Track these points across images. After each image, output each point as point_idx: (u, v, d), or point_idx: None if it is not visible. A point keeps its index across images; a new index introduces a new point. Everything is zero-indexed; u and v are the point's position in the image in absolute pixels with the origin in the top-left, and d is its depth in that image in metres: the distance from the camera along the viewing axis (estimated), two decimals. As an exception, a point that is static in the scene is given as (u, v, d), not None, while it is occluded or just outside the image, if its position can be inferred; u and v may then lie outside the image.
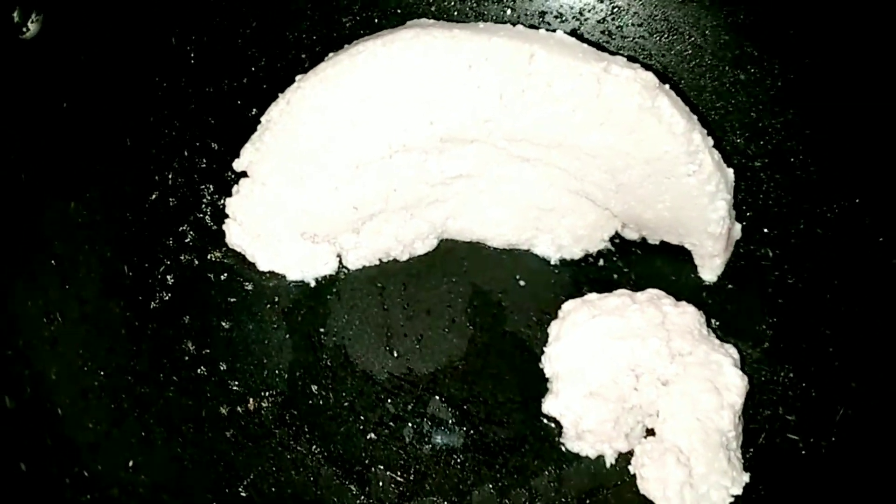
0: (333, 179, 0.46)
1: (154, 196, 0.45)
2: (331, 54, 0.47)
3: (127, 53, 0.43)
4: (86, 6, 0.40)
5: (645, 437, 0.42)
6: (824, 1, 0.46)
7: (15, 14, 0.36)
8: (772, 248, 0.47)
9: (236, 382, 0.43)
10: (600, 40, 0.53)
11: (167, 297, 0.43)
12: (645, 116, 0.43)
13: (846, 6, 0.45)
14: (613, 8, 0.52)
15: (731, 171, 0.46)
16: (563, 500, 0.41)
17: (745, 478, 0.39)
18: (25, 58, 0.37)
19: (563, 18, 0.53)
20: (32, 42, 0.37)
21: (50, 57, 0.38)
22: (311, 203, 0.46)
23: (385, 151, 0.46)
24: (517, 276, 0.47)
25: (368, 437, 0.42)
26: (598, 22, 0.53)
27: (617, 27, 0.52)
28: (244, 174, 0.47)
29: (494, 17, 0.53)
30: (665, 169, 0.45)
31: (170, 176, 0.46)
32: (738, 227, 0.47)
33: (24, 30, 0.37)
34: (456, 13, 0.53)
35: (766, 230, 0.48)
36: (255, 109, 0.49)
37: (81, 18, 0.40)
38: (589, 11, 0.53)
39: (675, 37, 0.51)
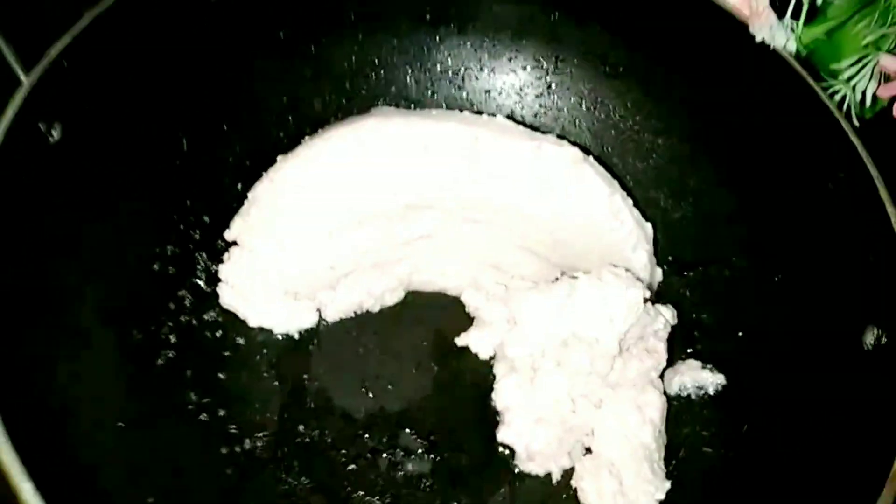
0: (312, 244, 0.54)
1: (156, 267, 0.52)
2: (307, 138, 0.55)
3: (134, 147, 0.50)
4: (98, 115, 0.47)
5: (584, 455, 0.50)
6: (735, 80, 0.54)
7: (42, 124, 0.43)
8: (689, 289, 0.56)
9: (234, 426, 0.49)
10: (537, 112, 0.61)
11: (171, 355, 0.50)
12: (573, 185, 0.52)
13: (756, 84, 0.53)
14: (548, 84, 0.61)
15: (649, 225, 0.54)
16: (518, 513, 0.49)
17: (667, 485, 0.47)
18: (51, 159, 0.44)
19: (506, 94, 0.61)
20: (56, 146, 0.44)
21: (70, 156, 0.46)
22: (292, 265, 0.54)
23: (356, 219, 0.54)
24: (472, 319, 0.54)
25: (349, 467, 0.49)
26: (536, 97, 0.61)
27: (552, 101, 0.61)
28: (234, 243, 0.54)
29: (446, 95, 0.61)
30: (593, 227, 0.53)
31: (168, 248, 0.53)
32: (658, 271, 0.55)
33: (50, 138, 0.44)
34: (413, 93, 0.61)
35: (683, 273, 0.56)
36: (240, 185, 0.56)
37: (96, 124, 0.47)
38: (528, 87, 0.61)
39: (602, 107, 0.60)
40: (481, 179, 0.52)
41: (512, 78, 0.61)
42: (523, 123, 0.59)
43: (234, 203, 0.55)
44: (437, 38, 0.60)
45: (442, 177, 0.53)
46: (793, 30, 0.51)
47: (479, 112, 0.60)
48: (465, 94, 0.61)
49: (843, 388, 0.43)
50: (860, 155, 0.45)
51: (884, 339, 0.42)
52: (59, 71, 0.44)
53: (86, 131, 0.47)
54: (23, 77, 0.43)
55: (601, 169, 0.52)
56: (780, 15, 0.51)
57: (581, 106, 0.60)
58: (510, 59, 0.60)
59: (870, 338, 0.42)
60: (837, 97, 0.51)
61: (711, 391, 0.51)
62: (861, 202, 0.45)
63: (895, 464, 0.36)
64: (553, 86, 0.60)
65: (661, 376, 0.51)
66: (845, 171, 0.46)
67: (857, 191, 0.45)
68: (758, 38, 0.49)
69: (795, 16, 0.52)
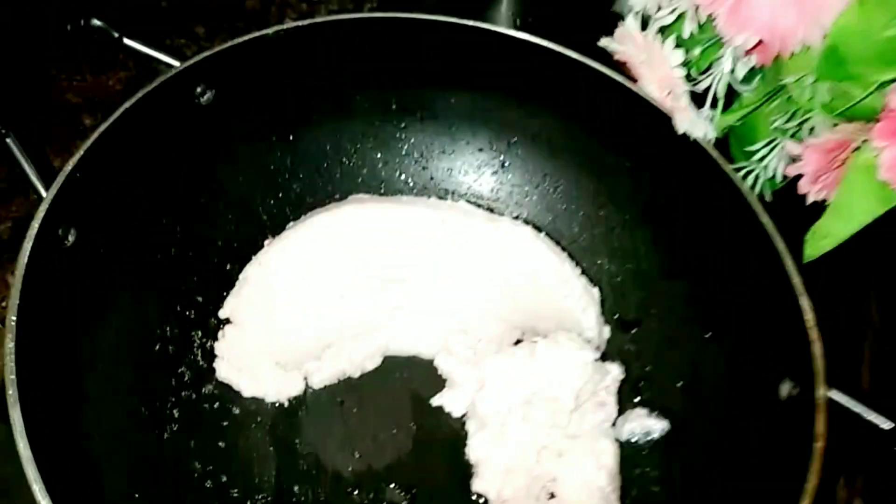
0: (298, 318, 0.60)
1: (157, 347, 0.57)
2: (291, 223, 0.62)
3: (134, 241, 0.56)
4: (105, 216, 0.53)
5: (549, 499, 0.56)
6: (661, 162, 0.62)
7: (60, 231, 0.49)
8: (634, 344, 0.63)
9: (235, 490, 0.54)
10: (493, 187, 0.68)
11: (175, 428, 0.55)
12: (527, 258, 0.59)
13: (680, 167, 0.60)
14: (502, 163, 0.68)
15: (595, 289, 0.62)
16: (492, 554, 0.55)
17: (622, 523, 0.54)
18: (67, 260, 0.50)
19: (465, 172, 0.68)
20: (71, 248, 0.50)
21: (82, 256, 0.51)
22: (281, 338, 0.59)
23: (338, 294, 0.60)
24: (445, 381, 0.61)
25: (340, 522, 0.55)
26: (492, 174, 0.68)
27: (506, 177, 0.68)
28: (227, 320, 0.60)
29: (413, 174, 0.68)
30: (547, 294, 0.60)
31: (168, 329, 0.58)
32: (606, 329, 0.63)
33: (66, 242, 0.49)
34: (384, 174, 0.67)
35: (628, 330, 0.64)
36: (228, 265, 0.62)
37: (103, 224, 0.52)
38: (484, 166, 0.68)
39: (549, 183, 0.67)
40: (448, 255, 0.59)
41: (470, 158, 0.68)
42: (482, 198, 0.68)
43: (224, 282, 0.61)
44: (403, 125, 0.67)
45: (413, 254, 0.60)
46: (711, 119, 0.59)
47: (445, 190, 0.67)
48: (429, 173, 0.68)
49: (763, 433, 0.51)
50: (767, 232, 0.53)
51: (795, 391, 0.49)
52: (73, 183, 0.50)
53: (95, 232, 0.52)
54: (43, 192, 0.48)
55: (551, 244, 0.60)
56: (700, 105, 0.59)
57: (531, 182, 0.67)
58: (467, 143, 0.67)
59: (784, 390, 0.50)
60: (752, 176, 0.59)
61: (657, 436, 0.58)
62: (770, 272, 0.53)
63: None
64: (506, 164, 0.68)
65: (613, 424, 0.59)
66: (755, 245, 0.54)
67: (767, 262, 0.53)
68: (680, 131, 0.57)
69: (714, 105, 0.60)
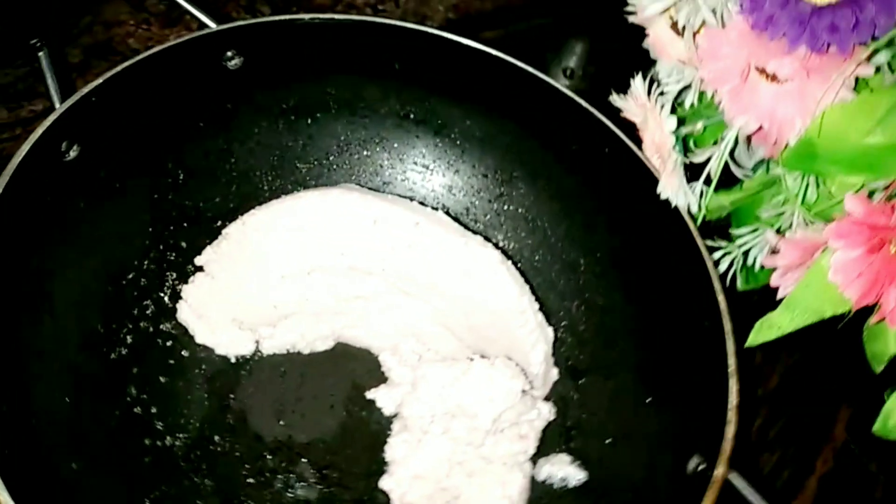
0: (263, 283, 0.63)
1: (132, 275, 0.61)
2: (282, 196, 0.65)
3: (136, 176, 0.60)
4: (112, 144, 0.57)
5: (448, 514, 0.57)
6: (644, 225, 0.63)
7: (63, 144, 0.53)
8: (577, 393, 0.63)
9: (160, 423, 0.57)
10: (487, 212, 0.70)
11: (124, 352, 0.59)
12: (489, 279, 0.61)
13: (659, 233, 0.61)
14: (500, 193, 0.70)
15: (550, 329, 0.63)
16: (380, 552, 0.56)
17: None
18: (65, 172, 0.54)
19: (465, 192, 0.70)
20: (71, 162, 0.54)
21: (81, 173, 0.55)
22: (243, 298, 0.63)
23: (306, 269, 0.63)
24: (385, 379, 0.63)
25: (248, 480, 0.57)
26: (489, 200, 0.70)
27: (500, 206, 0.70)
28: (201, 269, 0.63)
29: (414, 183, 0.71)
30: (502, 320, 0.62)
31: (146, 263, 0.62)
32: (554, 371, 0.63)
33: (67, 156, 0.54)
34: (387, 176, 0.70)
35: (576, 378, 0.64)
36: (219, 222, 0.66)
37: (108, 151, 0.57)
38: (484, 191, 0.70)
39: (540, 222, 0.68)
40: (416, 259, 0.62)
41: (472, 180, 0.70)
42: (475, 221, 0.70)
43: (211, 235, 0.65)
44: (418, 135, 0.70)
45: (384, 249, 0.62)
46: (702, 194, 0.60)
47: (438, 203, 0.70)
48: (430, 184, 0.71)
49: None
50: (721, 309, 0.54)
51: (701, 468, 0.49)
52: (87, 104, 0.54)
53: (99, 156, 0.57)
54: (58, 104, 0.53)
55: (516, 273, 0.61)
56: (694, 179, 0.60)
57: (524, 217, 0.69)
58: (474, 166, 0.70)
59: (692, 464, 0.50)
60: (728, 259, 0.60)
61: (572, 484, 0.58)
62: (713, 351, 0.53)
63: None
64: (504, 194, 0.70)
65: (535, 462, 0.59)
66: (710, 321, 0.54)
67: (714, 341, 0.53)
68: (662, 196, 0.58)
69: (707, 183, 0.61)
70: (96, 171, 0.57)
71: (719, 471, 0.47)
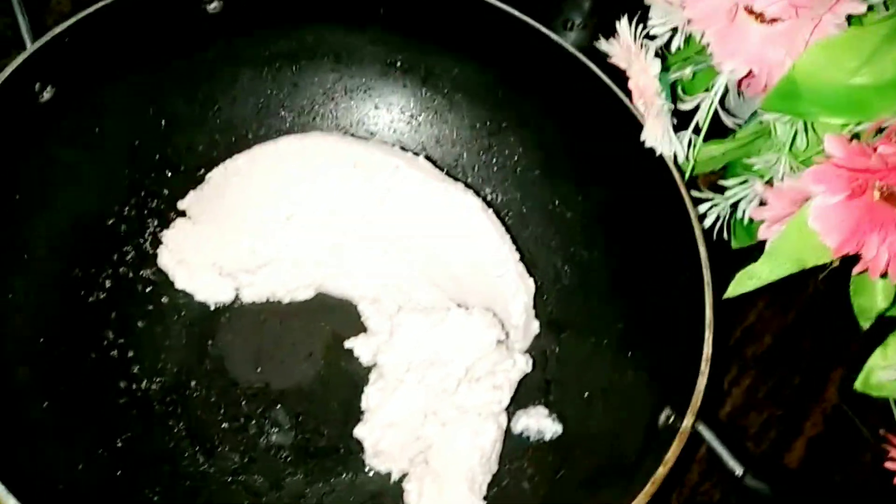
0: (242, 228, 0.62)
1: (111, 221, 0.61)
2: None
3: (115, 121, 0.60)
4: (88, 87, 0.57)
5: (420, 464, 0.57)
6: (630, 176, 0.61)
7: (37, 85, 0.53)
8: (558, 347, 0.62)
9: (137, 367, 0.57)
10: (476, 164, 0.68)
11: (102, 296, 0.59)
12: (469, 228, 0.60)
13: (645, 184, 0.59)
14: (489, 144, 0.68)
15: (531, 280, 0.61)
16: (352, 499, 0.56)
17: (482, 504, 0.54)
18: (39, 113, 0.54)
19: (454, 144, 0.69)
20: (46, 104, 0.54)
21: (56, 115, 0.55)
22: (223, 242, 0.62)
23: (285, 214, 0.62)
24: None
25: (223, 425, 0.57)
26: (478, 153, 0.68)
27: (489, 158, 0.68)
28: (183, 213, 0.63)
29: (402, 132, 0.69)
30: (483, 270, 0.61)
31: (126, 209, 0.62)
32: (535, 324, 0.62)
33: (41, 97, 0.53)
34: (374, 125, 0.69)
35: (557, 333, 0.63)
36: (202, 170, 0.65)
37: (85, 94, 0.57)
38: (471, 142, 0.68)
39: (526, 173, 0.67)
40: (396, 206, 0.61)
41: (461, 132, 0.69)
42: (463, 174, 0.68)
43: (194, 185, 0.65)
44: (405, 84, 0.68)
45: (364, 196, 0.61)
46: (690, 144, 0.58)
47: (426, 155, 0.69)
48: (418, 135, 0.70)
49: (636, 459, 0.50)
50: (701, 261, 0.52)
51: (671, 420, 0.48)
52: (61, 44, 0.54)
53: (75, 99, 0.57)
54: (29, 43, 0.53)
55: (497, 222, 0.60)
56: (683, 128, 0.58)
57: (512, 169, 0.68)
58: (462, 116, 0.68)
59: (663, 417, 0.49)
60: (716, 210, 0.58)
61: (548, 437, 0.58)
62: (692, 303, 0.51)
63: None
64: (492, 146, 0.68)
65: (513, 415, 0.58)
66: (690, 273, 0.53)
67: (693, 292, 0.52)
68: (647, 144, 0.56)
69: (697, 132, 0.59)
70: (73, 115, 0.57)
71: (686, 422, 0.46)
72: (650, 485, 0.43)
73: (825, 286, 0.54)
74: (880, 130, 0.45)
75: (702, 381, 0.47)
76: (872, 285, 0.51)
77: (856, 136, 0.46)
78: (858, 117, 0.45)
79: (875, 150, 0.42)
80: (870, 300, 0.52)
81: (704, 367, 0.48)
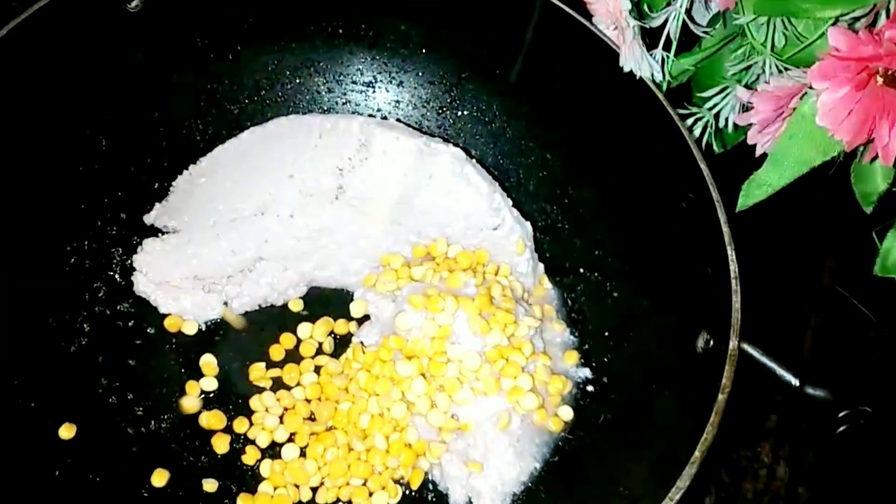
0: (216, 230, 0.58)
1: (72, 260, 0.56)
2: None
3: (52, 147, 0.54)
4: (17, 113, 0.51)
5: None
6: (609, 106, 0.59)
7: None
8: (565, 291, 0.61)
9: (140, 408, 0.53)
10: (442, 124, 0.65)
11: (84, 342, 0.54)
12: (457, 180, 0.57)
13: (626, 110, 0.57)
14: (452, 99, 0.65)
15: (528, 224, 0.60)
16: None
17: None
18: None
19: (413, 105, 0.65)
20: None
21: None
22: (198, 249, 0.58)
23: (257, 208, 0.58)
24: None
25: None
26: (440, 110, 0.65)
27: (454, 114, 0.65)
28: (148, 233, 0.58)
29: (357, 103, 0.65)
30: (478, 223, 0.58)
31: (86, 243, 0.56)
32: (540, 266, 0.61)
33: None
34: (326, 101, 0.65)
35: (559, 277, 0.61)
36: (156, 184, 0.60)
37: (17, 120, 0.51)
38: (433, 101, 0.65)
39: (499, 122, 0.64)
40: (374, 173, 0.58)
41: (419, 91, 0.65)
42: (430, 134, 0.65)
43: (150, 201, 0.60)
44: (350, 51, 0.64)
45: (339, 169, 0.58)
46: (664, 61, 0.56)
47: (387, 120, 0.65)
48: (376, 104, 0.66)
49: (678, 388, 0.49)
50: (706, 179, 0.51)
51: (711, 343, 0.48)
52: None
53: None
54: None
55: (482, 170, 0.58)
56: (653, 47, 0.56)
57: (481, 120, 0.65)
58: (418, 74, 0.65)
59: (701, 342, 0.48)
60: (700, 124, 0.57)
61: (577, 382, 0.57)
62: (703, 223, 0.50)
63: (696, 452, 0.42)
64: (456, 101, 0.65)
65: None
66: (694, 193, 0.52)
67: (702, 212, 0.51)
68: (626, 69, 0.54)
69: (667, 48, 0.57)
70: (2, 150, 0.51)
71: (732, 343, 0.45)
72: (714, 415, 0.43)
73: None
74: (874, 23, 0.44)
75: (736, 300, 0.46)
76: (874, 170, 0.51)
77: (850, 25, 0.45)
78: (853, 5, 0.44)
79: (880, 35, 0.41)
80: (872, 184, 0.52)
81: (736, 286, 0.47)
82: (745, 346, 0.45)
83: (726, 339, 0.45)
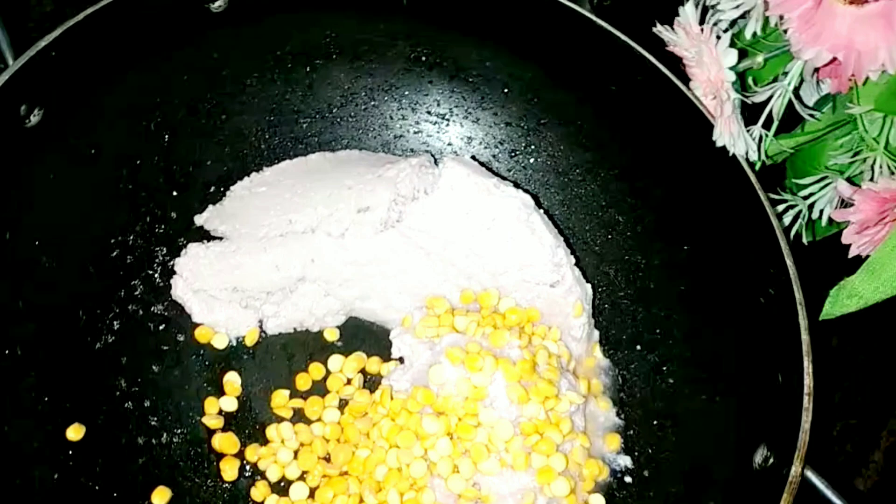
0: (264, 242, 0.56)
1: (115, 253, 0.54)
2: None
3: (113, 141, 0.53)
4: (82, 107, 0.50)
5: None
6: (696, 178, 0.55)
7: (23, 107, 0.46)
8: (616, 366, 0.57)
9: (155, 418, 0.51)
10: (512, 167, 0.62)
11: (111, 340, 0.52)
12: (521, 228, 0.54)
13: (714, 186, 0.53)
14: (527, 144, 0.62)
15: (589, 285, 0.56)
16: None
17: None
18: (29, 141, 0.47)
19: (486, 144, 0.63)
20: (35, 129, 0.47)
21: (46, 140, 0.48)
22: (242, 260, 0.56)
23: (309, 225, 0.56)
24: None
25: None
26: (511, 153, 0.62)
27: (526, 159, 0.62)
28: (195, 238, 0.56)
29: (429, 135, 0.63)
30: (535, 276, 0.55)
31: (130, 238, 0.55)
32: (595, 333, 0.57)
33: (28, 121, 0.47)
34: (399, 129, 0.63)
35: (612, 349, 0.57)
36: (213, 188, 0.59)
37: (77, 114, 0.50)
38: (507, 142, 0.62)
39: (573, 175, 0.61)
40: (437, 207, 0.54)
41: (494, 130, 0.62)
42: (498, 175, 0.62)
43: (203, 204, 0.58)
44: (430, 80, 0.62)
45: (399, 193, 0.55)
46: (761, 139, 0.52)
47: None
48: (448, 136, 0.63)
49: (727, 501, 0.44)
50: (790, 276, 0.46)
51: (771, 461, 0.43)
52: (47, 60, 0.47)
53: (66, 119, 0.50)
54: (10, 61, 0.45)
55: (548, 221, 0.54)
56: (751, 122, 0.52)
57: (554, 170, 0.61)
58: (495, 113, 0.62)
59: (759, 457, 0.44)
60: (792, 212, 0.52)
61: (615, 471, 0.52)
62: (781, 324, 0.46)
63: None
64: (531, 146, 0.62)
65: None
66: (775, 289, 0.47)
67: (781, 311, 0.46)
68: (718, 143, 0.50)
69: (767, 126, 0.52)
70: (65, 137, 0.50)
71: (795, 468, 0.40)
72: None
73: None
74: None
75: (806, 420, 0.42)
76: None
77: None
78: None
79: None
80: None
81: (808, 403, 0.42)
82: (809, 474, 0.40)
83: (789, 461, 0.41)
